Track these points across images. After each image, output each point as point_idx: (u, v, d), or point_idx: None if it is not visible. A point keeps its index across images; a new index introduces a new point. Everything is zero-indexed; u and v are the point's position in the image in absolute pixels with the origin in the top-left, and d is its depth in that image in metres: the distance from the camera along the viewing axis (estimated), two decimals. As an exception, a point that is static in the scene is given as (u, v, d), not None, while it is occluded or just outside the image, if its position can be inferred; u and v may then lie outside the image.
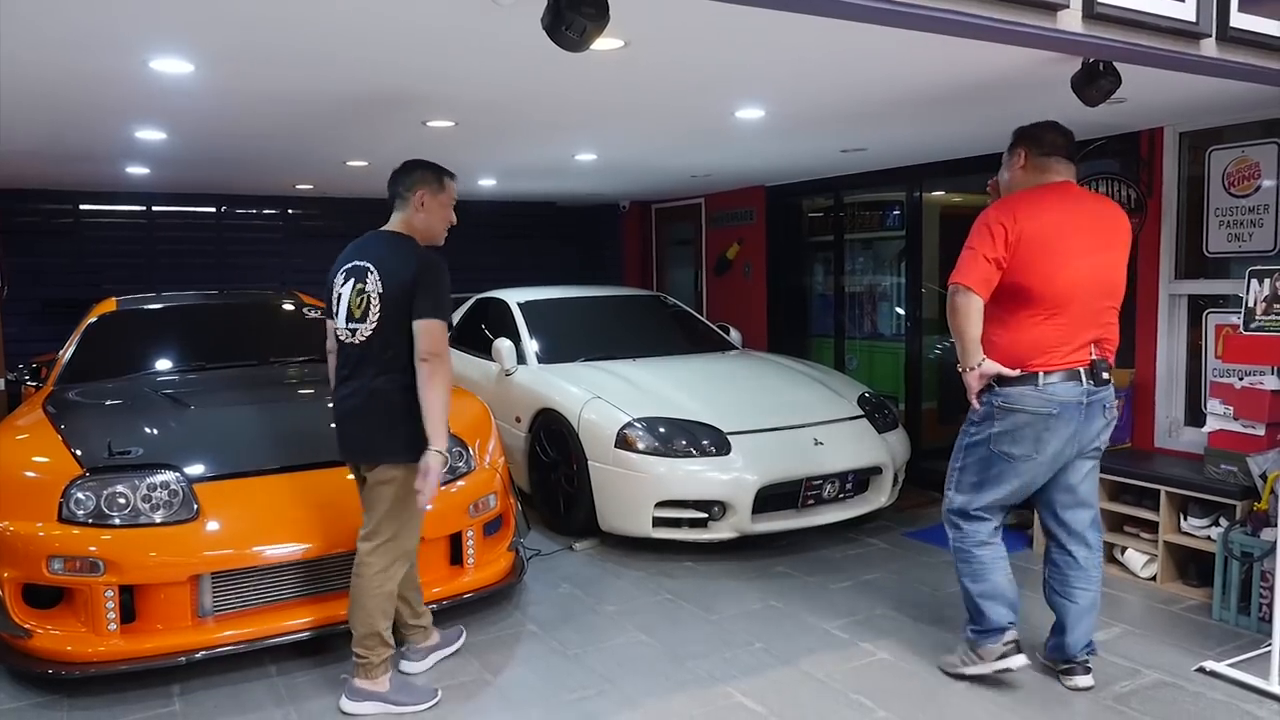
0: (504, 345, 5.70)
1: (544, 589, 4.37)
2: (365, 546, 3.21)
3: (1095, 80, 2.96)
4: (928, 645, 3.70)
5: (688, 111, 4.04)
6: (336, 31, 2.70)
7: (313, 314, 5.59)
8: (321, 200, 7.92)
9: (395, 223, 3.29)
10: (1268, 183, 4.18)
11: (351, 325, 3.20)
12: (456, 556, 3.98)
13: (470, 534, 3.97)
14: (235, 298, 5.87)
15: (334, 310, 3.29)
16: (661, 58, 3.08)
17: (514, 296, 6.33)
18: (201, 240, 7.86)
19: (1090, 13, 2.58)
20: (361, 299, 3.18)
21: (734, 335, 6.60)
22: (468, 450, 4.10)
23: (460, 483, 3.97)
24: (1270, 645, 3.35)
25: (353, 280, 3.22)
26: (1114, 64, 2.94)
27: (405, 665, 3.51)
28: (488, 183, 6.78)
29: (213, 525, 3.43)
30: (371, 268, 3.18)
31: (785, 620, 3.98)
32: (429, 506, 3.13)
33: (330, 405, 4.12)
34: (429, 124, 4.16)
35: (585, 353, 5.76)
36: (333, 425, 3.34)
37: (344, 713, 3.22)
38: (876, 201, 6.79)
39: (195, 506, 3.44)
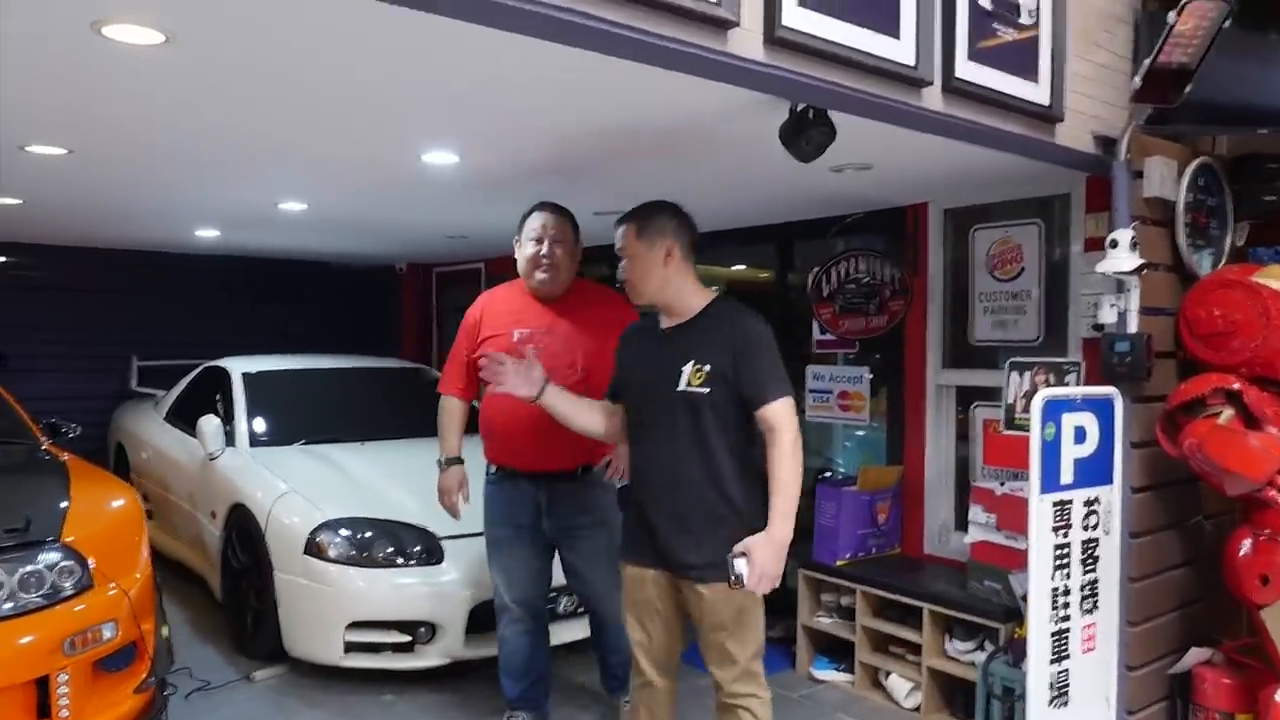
0: (209, 424, 4.78)
1: (190, 740, 3.46)
2: None
3: (804, 130, 2.43)
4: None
5: (366, 151, 3.30)
6: None
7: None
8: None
9: None
10: (1030, 266, 3.82)
11: None
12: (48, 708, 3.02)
13: (64, 678, 3.03)
14: None
15: None
16: (312, 61, 2.32)
17: (240, 366, 5.43)
18: None
19: (772, 38, 2.04)
20: None
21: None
22: (83, 564, 3.19)
23: (58, 608, 3.05)
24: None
25: None
26: (826, 112, 2.43)
27: None
28: (208, 234, 5.81)
29: None
30: None
31: (482, 779, 3.21)
32: None
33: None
34: (29, 149, 3.24)
35: (307, 434, 4.92)
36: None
37: None
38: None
39: None
